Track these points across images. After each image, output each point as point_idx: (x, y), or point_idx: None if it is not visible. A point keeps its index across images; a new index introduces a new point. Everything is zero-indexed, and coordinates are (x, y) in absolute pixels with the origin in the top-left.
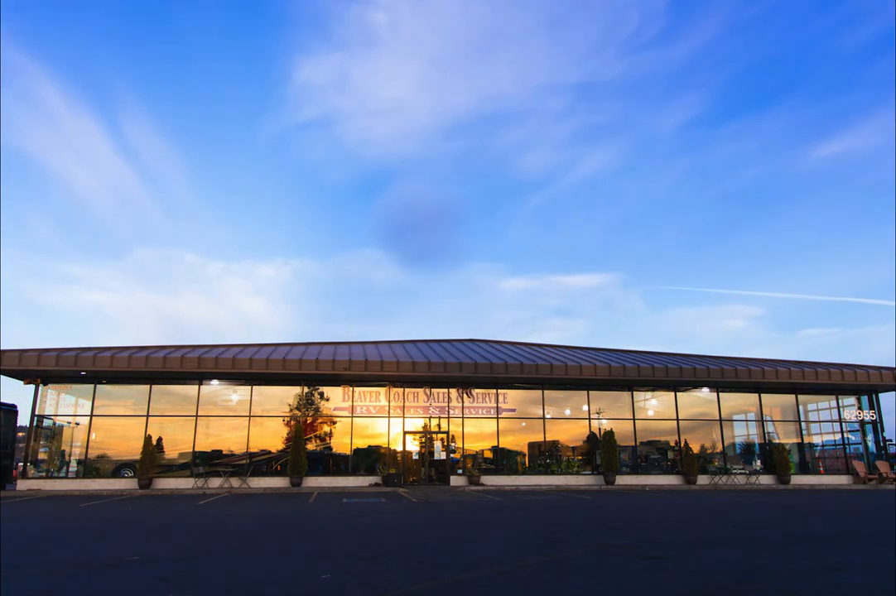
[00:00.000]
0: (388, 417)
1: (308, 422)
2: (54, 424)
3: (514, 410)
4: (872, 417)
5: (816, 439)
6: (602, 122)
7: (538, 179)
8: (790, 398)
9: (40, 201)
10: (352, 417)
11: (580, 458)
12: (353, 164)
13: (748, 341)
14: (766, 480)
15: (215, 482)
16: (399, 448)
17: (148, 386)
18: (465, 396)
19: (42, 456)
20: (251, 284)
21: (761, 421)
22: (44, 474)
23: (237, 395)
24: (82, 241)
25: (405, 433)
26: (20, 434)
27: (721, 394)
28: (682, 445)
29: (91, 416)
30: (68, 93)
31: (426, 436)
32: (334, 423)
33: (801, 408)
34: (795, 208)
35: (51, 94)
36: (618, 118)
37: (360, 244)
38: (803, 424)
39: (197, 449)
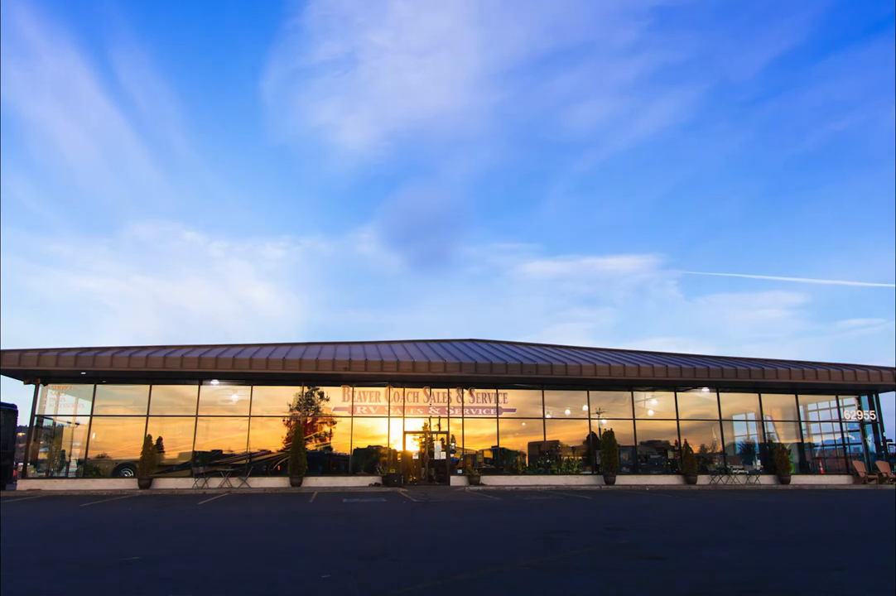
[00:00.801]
0: (388, 417)
1: (308, 422)
2: (54, 424)
3: (514, 410)
4: (872, 417)
5: (816, 439)
6: (676, 61)
7: (586, 139)
8: (790, 398)
9: (18, 160)
10: (352, 416)
11: (580, 458)
12: (377, 123)
13: (783, 333)
14: (766, 480)
15: (215, 482)
16: (399, 448)
17: (148, 386)
18: (465, 396)
19: (42, 456)
20: (257, 268)
21: (761, 421)
22: (44, 474)
23: (237, 395)
24: (70, 212)
25: (405, 433)
26: (20, 434)
27: (721, 394)
28: (682, 445)
29: (91, 416)
30: (55, 33)
31: (426, 436)
32: (334, 423)
33: (801, 408)
34: (877, 172)
35: (33, 34)
36: (695, 55)
37: (377, 219)
38: (803, 424)
39: (197, 449)
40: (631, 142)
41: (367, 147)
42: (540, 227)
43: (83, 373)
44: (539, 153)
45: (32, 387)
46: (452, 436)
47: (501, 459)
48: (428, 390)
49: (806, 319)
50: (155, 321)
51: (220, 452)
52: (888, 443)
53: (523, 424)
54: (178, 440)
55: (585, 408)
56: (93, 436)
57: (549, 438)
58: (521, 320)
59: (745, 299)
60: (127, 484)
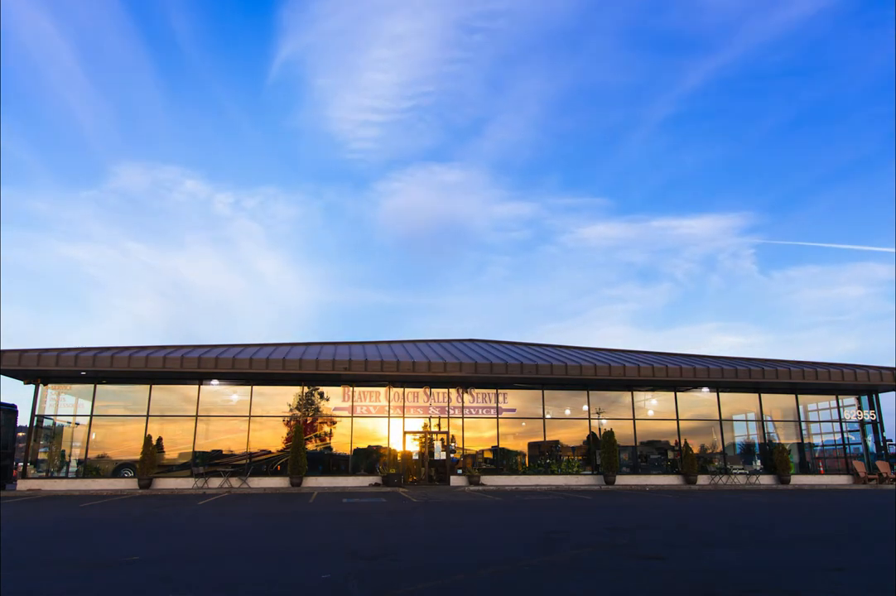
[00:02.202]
0: (388, 417)
1: (308, 422)
2: (54, 424)
3: (514, 410)
4: (872, 417)
5: (816, 439)
6: None
7: (695, 42)
8: (790, 398)
9: None
10: (352, 417)
11: (580, 458)
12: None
13: (854, 315)
14: (766, 480)
15: (215, 482)
16: (399, 448)
17: (148, 386)
18: (465, 396)
19: (42, 456)
20: (268, 232)
21: (761, 421)
22: (44, 474)
23: (237, 395)
24: (43, 152)
25: (405, 433)
26: (20, 434)
27: (721, 394)
28: (682, 446)
29: (91, 416)
30: None
31: (426, 436)
32: (334, 423)
33: (801, 408)
34: None
35: None
36: None
37: (411, 167)
38: (803, 424)
39: (197, 449)
40: (747, 52)
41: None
42: (616, 175)
43: (83, 373)
44: (628, 70)
45: (32, 387)
46: (452, 436)
47: (501, 459)
48: (428, 390)
49: (885, 298)
50: (154, 301)
51: (220, 452)
52: (888, 443)
53: (523, 424)
54: (178, 440)
55: (585, 408)
56: (93, 436)
57: (549, 438)
58: (560, 302)
59: (829, 274)
60: (127, 484)
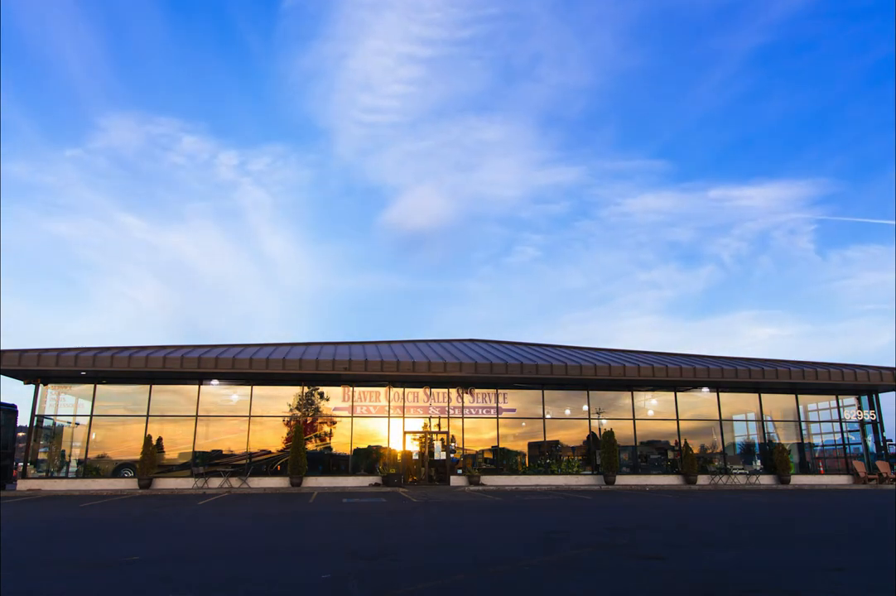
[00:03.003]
0: (388, 417)
1: (308, 422)
2: (54, 424)
3: (514, 410)
4: (872, 417)
5: (816, 439)
6: None
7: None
8: (790, 398)
9: None
10: (352, 417)
11: (580, 458)
12: None
13: None
14: (766, 480)
15: (215, 482)
16: (399, 448)
17: (148, 386)
18: (465, 396)
19: (42, 456)
20: (275, 202)
21: (761, 421)
22: (44, 474)
23: (237, 395)
24: (23, 104)
25: (405, 433)
26: (20, 434)
27: (721, 394)
28: (682, 446)
29: (91, 416)
30: None
31: (426, 436)
32: (334, 423)
33: (801, 408)
34: None
35: None
36: None
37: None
38: (803, 424)
39: (197, 449)
40: None
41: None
42: (680, 131)
43: (83, 373)
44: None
45: (32, 387)
46: (452, 436)
47: (501, 459)
48: (428, 390)
49: None
50: (154, 287)
51: (220, 452)
52: (888, 443)
53: (523, 424)
54: (178, 440)
55: (585, 408)
56: (93, 436)
57: (549, 438)
58: (589, 287)
59: (892, 254)
60: (127, 484)
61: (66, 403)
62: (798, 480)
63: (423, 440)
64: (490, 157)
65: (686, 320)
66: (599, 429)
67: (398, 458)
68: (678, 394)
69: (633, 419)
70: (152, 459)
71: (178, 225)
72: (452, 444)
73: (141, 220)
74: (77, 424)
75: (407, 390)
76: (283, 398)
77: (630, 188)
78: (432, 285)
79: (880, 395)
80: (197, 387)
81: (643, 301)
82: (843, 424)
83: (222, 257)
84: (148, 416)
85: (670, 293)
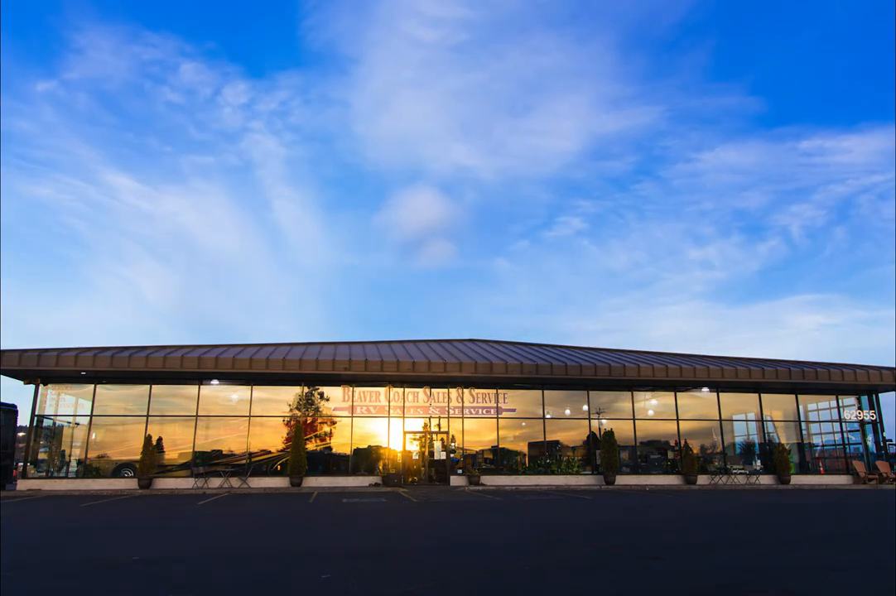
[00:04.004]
0: (388, 417)
1: (308, 422)
2: (54, 424)
3: (514, 410)
4: (872, 417)
5: (816, 439)
6: None
7: None
8: (790, 398)
9: None
10: (352, 417)
11: (580, 458)
12: None
13: None
14: (766, 480)
15: (215, 482)
16: (399, 448)
17: (148, 386)
18: (465, 396)
19: (42, 456)
20: (290, 154)
21: (761, 421)
22: (44, 474)
23: (237, 395)
24: None
25: (405, 433)
26: (20, 434)
27: (721, 394)
28: (682, 445)
29: (91, 416)
30: None
31: (426, 436)
32: (334, 423)
33: (801, 408)
34: None
35: None
36: None
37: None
38: (803, 424)
39: (197, 449)
40: None
41: None
42: (788, 59)
43: (83, 373)
44: None
45: (32, 387)
46: (452, 436)
47: (501, 459)
48: (428, 390)
49: None
50: (153, 268)
51: (220, 452)
52: (888, 443)
53: (523, 424)
54: (178, 440)
55: (585, 408)
56: (93, 436)
57: (549, 438)
58: (632, 266)
59: None
60: (127, 484)
61: (66, 403)
62: (798, 480)
63: (423, 440)
64: (552, 93)
65: (730, 307)
66: (599, 429)
67: (398, 458)
68: (678, 394)
69: (633, 419)
70: (152, 459)
71: (176, 186)
72: (452, 444)
73: (132, 180)
74: (77, 424)
75: (407, 390)
76: (283, 398)
77: (711, 136)
78: (458, 264)
79: (880, 395)
80: (197, 387)
81: (687, 284)
82: (843, 424)
83: (227, 228)
84: (148, 416)
85: (720, 274)
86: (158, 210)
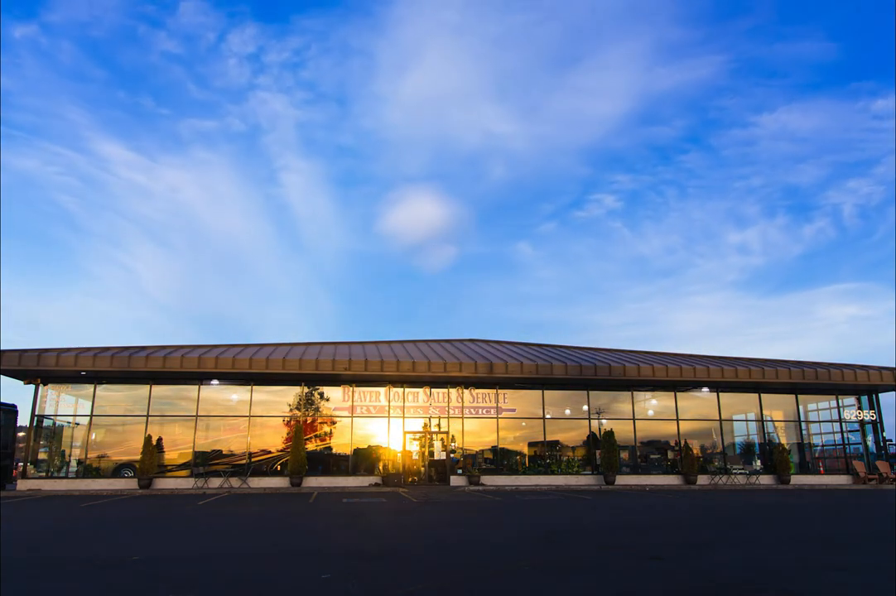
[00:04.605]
0: (388, 417)
1: (308, 422)
2: (54, 424)
3: (514, 410)
4: (872, 417)
5: (816, 439)
6: None
7: None
8: (790, 398)
9: None
10: (352, 417)
11: (580, 458)
12: None
13: None
14: (766, 480)
15: (215, 482)
16: (399, 448)
17: (148, 386)
18: (465, 396)
19: (42, 456)
20: (302, 116)
21: (761, 421)
22: (44, 474)
23: (237, 395)
24: None
25: (405, 433)
26: (20, 434)
27: (721, 394)
28: (682, 445)
29: (91, 416)
30: None
31: (426, 436)
32: (334, 423)
33: (801, 408)
34: None
35: None
36: None
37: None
38: (803, 424)
39: (197, 449)
40: None
41: None
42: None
43: (83, 373)
44: None
45: (32, 387)
46: (452, 436)
47: (501, 459)
48: (428, 390)
49: None
50: (153, 253)
51: (220, 452)
52: (888, 443)
53: (523, 423)
54: (178, 440)
55: (585, 408)
56: (93, 436)
57: (549, 438)
58: (664, 251)
59: None
60: (127, 484)
61: (66, 403)
62: (798, 480)
63: (423, 440)
64: (604, 40)
65: (761, 297)
66: (599, 429)
67: (398, 458)
68: (678, 394)
69: (633, 419)
70: (152, 459)
71: (174, 156)
72: (452, 444)
73: (126, 149)
74: (77, 424)
75: (407, 390)
76: (283, 398)
77: (775, 93)
78: (478, 250)
79: (880, 395)
80: (197, 387)
81: (720, 272)
82: (843, 424)
83: (231, 207)
84: (148, 416)
85: (758, 260)
86: (156, 185)
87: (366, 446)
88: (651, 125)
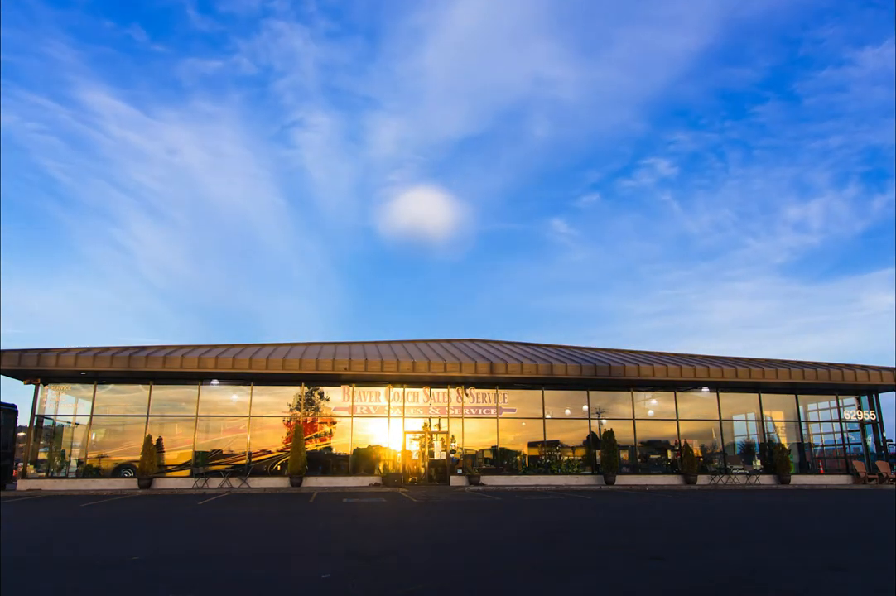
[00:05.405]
0: (388, 417)
1: (308, 422)
2: (54, 424)
3: (514, 410)
4: (872, 417)
5: (816, 439)
6: None
7: None
8: (790, 398)
9: None
10: (352, 417)
11: (580, 458)
12: None
13: None
14: (766, 480)
15: (215, 482)
16: (399, 448)
17: (148, 386)
18: (465, 396)
19: (42, 456)
20: (314, 60)
21: (761, 421)
22: (44, 474)
23: (237, 395)
24: None
25: (405, 433)
26: (20, 434)
27: (721, 394)
28: (681, 445)
29: (91, 416)
30: None
31: (426, 436)
32: (334, 423)
33: (801, 408)
34: None
35: None
36: None
37: None
38: (803, 424)
39: (197, 449)
40: None
41: None
42: None
43: (83, 373)
44: None
45: (32, 387)
46: (452, 436)
47: (501, 459)
48: (428, 390)
49: None
50: (153, 231)
51: (220, 452)
52: (888, 443)
53: (523, 424)
54: (178, 440)
55: (585, 408)
56: (93, 436)
57: (549, 438)
58: (711, 230)
59: None
60: (127, 484)
61: (66, 403)
62: (798, 479)
63: (423, 440)
64: None
65: (807, 283)
66: (599, 429)
67: (398, 458)
68: (678, 394)
69: (633, 419)
70: (152, 459)
71: (172, 109)
72: (452, 444)
73: (116, 98)
74: (77, 424)
75: (407, 390)
76: (283, 398)
77: (886, 19)
78: (506, 227)
79: (880, 395)
80: (197, 387)
81: (768, 253)
82: (843, 424)
83: (238, 172)
84: (148, 416)
85: (814, 239)
86: (152, 146)
87: (366, 446)
88: (729, 66)
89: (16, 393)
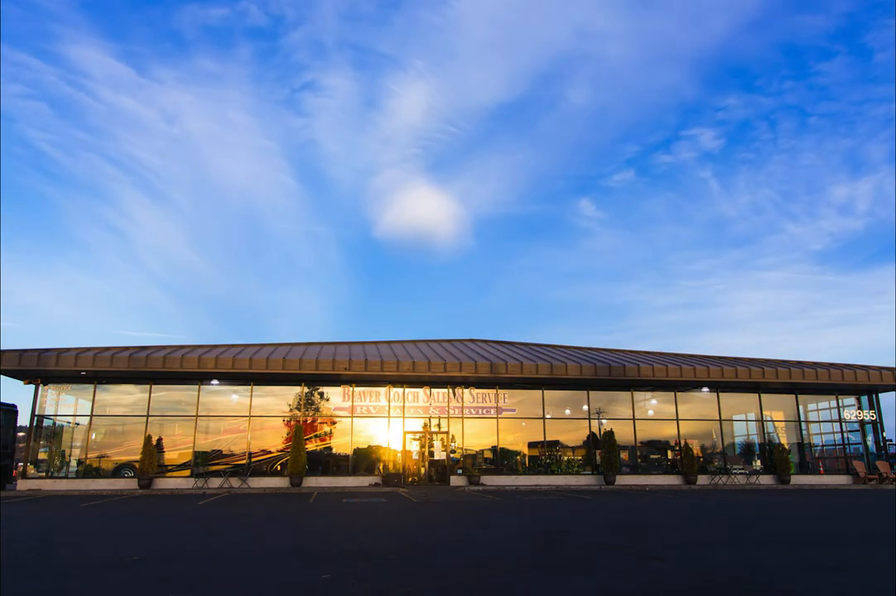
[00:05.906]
0: (388, 417)
1: (308, 422)
2: (54, 424)
3: (514, 410)
4: (872, 417)
5: (816, 439)
6: None
7: None
8: (790, 398)
9: None
10: (352, 417)
11: (580, 458)
12: None
13: None
14: (766, 480)
15: (215, 482)
16: (399, 448)
17: (148, 386)
18: (465, 396)
19: (42, 456)
20: (333, 13)
21: (761, 421)
22: (44, 474)
23: (237, 395)
24: None
25: (405, 433)
26: (20, 434)
27: (721, 394)
28: (681, 445)
29: (91, 416)
30: None
31: (426, 436)
32: (334, 423)
33: (801, 408)
34: None
35: None
36: None
37: None
38: (803, 424)
39: (197, 449)
40: None
41: None
42: None
43: (83, 373)
44: None
45: (32, 387)
46: (452, 436)
47: (501, 459)
48: (428, 390)
49: None
50: (146, 208)
51: (220, 452)
52: (888, 443)
53: (523, 424)
54: (178, 440)
55: (585, 408)
56: (93, 436)
57: (549, 438)
58: (749, 210)
59: None
60: (127, 484)
61: (66, 403)
62: (798, 479)
63: (423, 440)
64: None
65: (842, 272)
66: (599, 429)
67: (398, 458)
68: (678, 394)
69: (633, 419)
70: (152, 459)
71: (171, 67)
72: (452, 444)
73: (107, 54)
74: (77, 424)
75: (407, 390)
76: (283, 398)
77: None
78: (528, 209)
79: (880, 395)
80: (197, 387)
81: (807, 238)
82: (843, 424)
83: (244, 144)
84: (148, 416)
85: (857, 224)
86: (149, 113)
87: (366, 446)
88: (801, 11)
89: (16, 393)
